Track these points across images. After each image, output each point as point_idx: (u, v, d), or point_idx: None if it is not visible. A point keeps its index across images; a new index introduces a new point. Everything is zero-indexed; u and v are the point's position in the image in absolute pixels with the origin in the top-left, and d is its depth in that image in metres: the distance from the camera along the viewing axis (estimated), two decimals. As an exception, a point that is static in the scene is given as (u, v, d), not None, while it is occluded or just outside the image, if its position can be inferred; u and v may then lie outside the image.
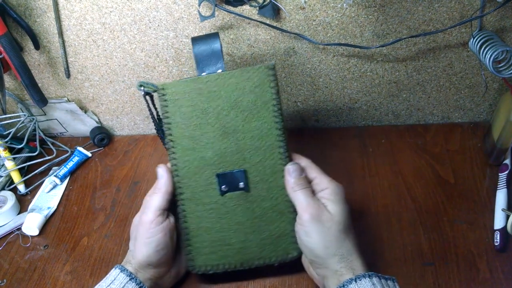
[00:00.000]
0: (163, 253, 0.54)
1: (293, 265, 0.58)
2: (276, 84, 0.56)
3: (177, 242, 0.57)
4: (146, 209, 0.55)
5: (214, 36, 0.59)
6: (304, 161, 0.57)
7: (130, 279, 0.52)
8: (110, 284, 0.52)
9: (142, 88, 0.57)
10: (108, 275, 0.54)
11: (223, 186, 0.56)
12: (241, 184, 0.56)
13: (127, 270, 0.53)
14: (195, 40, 0.60)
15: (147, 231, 0.54)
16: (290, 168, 0.55)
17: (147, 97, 0.59)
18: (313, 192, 0.55)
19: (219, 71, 0.57)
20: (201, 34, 0.71)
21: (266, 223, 0.56)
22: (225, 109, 0.56)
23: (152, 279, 0.55)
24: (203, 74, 0.57)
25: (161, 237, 0.54)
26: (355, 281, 0.48)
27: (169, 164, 0.57)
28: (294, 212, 0.55)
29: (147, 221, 0.54)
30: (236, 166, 0.56)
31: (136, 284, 0.52)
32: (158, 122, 0.61)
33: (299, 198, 0.53)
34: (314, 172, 0.56)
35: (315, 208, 0.52)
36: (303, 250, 0.54)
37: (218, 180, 0.56)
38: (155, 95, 0.59)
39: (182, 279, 0.61)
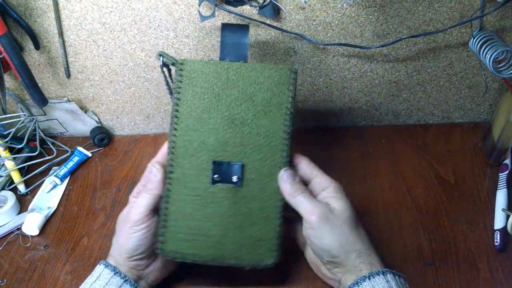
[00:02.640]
0: (143, 247, 0.54)
1: (294, 265, 0.58)
2: (294, 88, 0.55)
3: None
4: (133, 208, 0.55)
5: (245, 28, 0.59)
6: (303, 160, 0.57)
7: (114, 274, 0.53)
8: (95, 280, 0.53)
9: (161, 58, 0.57)
10: (93, 272, 0.54)
11: (216, 176, 0.54)
12: (235, 178, 0.54)
13: (111, 265, 0.53)
14: (226, 26, 0.59)
15: (130, 228, 0.54)
16: (284, 175, 0.54)
17: (165, 69, 0.58)
18: (314, 192, 0.55)
19: (241, 60, 0.57)
20: (201, 33, 0.72)
21: (250, 223, 0.55)
22: (239, 99, 0.55)
23: (134, 271, 0.54)
24: (225, 60, 0.57)
25: (143, 233, 0.54)
26: (369, 279, 0.48)
27: (166, 143, 0.56)
28: (282, 218, 0.54)
29: (133, 220, 0.54)
30: (235, 158, 0.55)
31: (121, 278, 0.53)
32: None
33: (302, 202, 0.52)
34: (314, 171, 0.56)
35: (321, 208, 0.51)
36: (318, 253, 0.53)
37: (213, 167, 0.54)
38: (172, 69, 0.58)
39: (182, 280, 0.61)
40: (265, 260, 0.55)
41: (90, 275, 0.54)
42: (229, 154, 0.55)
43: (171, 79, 0.59)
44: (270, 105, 0.55)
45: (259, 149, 0.55)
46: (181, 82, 0.56)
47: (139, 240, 0.53)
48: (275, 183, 0.55)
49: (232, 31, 0.59)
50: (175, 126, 0.55)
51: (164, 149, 0.57)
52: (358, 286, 0.48)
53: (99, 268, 0.54)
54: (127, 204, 0.57)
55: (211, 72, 0.55)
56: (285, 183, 0.54)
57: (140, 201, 0.55)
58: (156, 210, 0.55)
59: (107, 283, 0.52)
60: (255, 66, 0.55)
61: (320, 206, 0.52)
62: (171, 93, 0.60)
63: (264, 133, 0.55)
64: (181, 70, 0.56)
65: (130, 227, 0.54)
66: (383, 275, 0.48)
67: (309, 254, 0.57)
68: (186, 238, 0.55)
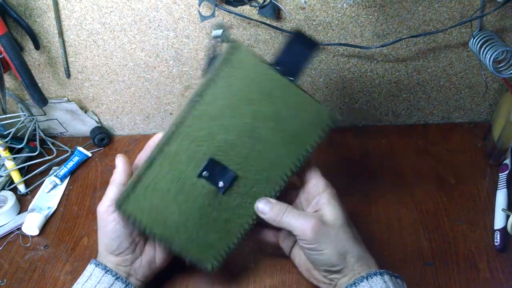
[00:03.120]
0: (118, 240, 0.54)
1: (294, 266, 0.58)
2: (324, 136, 0.53)
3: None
4: (101, 201, 0.55)
5: (314, 46, 0.53)
6: None
7: (105, 272, 0.53)
8: (87, 280, 0.53)
9: (220, 31, 0.53)
10: (84, 271, 0.54)
11: (205, 172, 0.52)
12: (221, 183, 0.53)
13: (101, 264, 0.54)
14: (299, 36, 0.53)
15: (102, 221, 0.54)
16: (258, 206, 0.53)
17: (213, 41, 0.54)
18: (307, 196, 0.54)
19: (291, 79, 0.52)
20: (201, 33, 0.71)
21: (211, 228, 0.54)
22: (267, 116, 0.51)
23: (121, 268, 0.54)
24: (278, 67, 0.52)
25: (113, 226, 0.53)
26: (367, 279, 0.48)
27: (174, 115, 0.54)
28: (240, 239, 0.54)
29: (100, 211, 0.54)
30: (232, 166, 0.53)
31: (112, 276, 0.53)
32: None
33: (290, 221, 0.51)
34: (311, 173, 0.55)
35: (314, 222, 0.50)
36: (317, 265, 0.52)
37: (206, 163, 0.52)
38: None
39: (182, 280, 0.61)
40: (205, 263, 0.54)
41: (82, 274, 0.54)
42: (229, 159, 0.53)
43: (214, 54, 0.54)
44: (293, 138, 0.52)
45: (259, 172, 0.53)
46: (224, 65, 0.51)
47: (112, 234, 0.53)
48: (252, 208, 0.54)
49: (301, 44, 0.52)
50: (192, 104, 0.51)
51: (147, 146, 0.57)
52: (356, 287, 0.48)
53: (90, 267, 0.54)
54: None
55: (257, 74, 0.51)
56: (265, 214, 0.52)
57: (107, 193, 0.55)
58: None
59: (98, 282, 0.52)
60: (302, 93, 0.51)
61: (311, 220, 0.50)
62: (208, 62, 0.55)
63: (272, 160, 0.53)
64: (231, 54, 0.50)
65: (101, 222, 0.54)
66: (381, 276, 0.48)
67: (298, 259, 0.56)
68: (146, 208, 0.53)
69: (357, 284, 0.48)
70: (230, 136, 0.52)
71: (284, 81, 0.51)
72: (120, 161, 0.56)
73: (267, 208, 0.52)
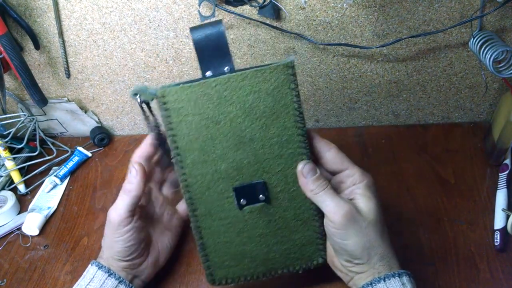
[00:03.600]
0: (133, 248, 0.53)
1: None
2: (296, 85, 0.49)
3: (148, 234, 0.56)
4: (112, 210, 0.53)
5: (217, 25, 0.49)
6: (331, 149, 0.52)
7: (109, 275, 0.52)
8: (89, 282, 0.52)
9: (137, 96, 0.50)
10: (85, 273, 0.53)
11: (241, 200, 0.51)
12: (261, 196, 0.51)
13: (104, 267, 0.53)
14: (194, 30, 0.49)
15: (115, 232, 0.53)
16: (304, 170, 0.50)
17: (144, 105, 0.52)
18: (342, 185, 0.52)
19: (226, 69, 0.49)
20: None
21: (290, 233, 0.53)
22: (239, 116, 0.49)
23: (128, 271, 0.54)
24: (208, 73, 0.49)
25: (128, 236, 0.53)
26: (384, 280, 0.47)
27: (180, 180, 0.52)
28: (320, 219, 0.52)
29: (114, 223, 0.53)
30: (255, 177, 0.51)
31: (116, 279, 0.52)
32: (158, 133, 0.55)
33: (325, 200, 0.49)
34: (345, 163, 0.51)
35: (347, 208, 0.48)
36: (338, 252, 0.50)
37: (235, 194, 0.51)
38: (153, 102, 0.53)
39: (183, 279, 0.61)
40: (315, 260, 0.54)
41: (82, 276, 0.53)
42: (247, 175, 0.51)
43: (152, 115, 0.54)
44: (275, 112, 0.50)
45: (277, 160, 0.51)
46: (169, 116, 0.49)
47: (126, 243, 0.53)
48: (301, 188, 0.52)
49: (204, 34, 0.49)
50: (181, 165, 0.51)
51: (144, 143, 0.55)
52: (372, 287, 0.47)
53: (92, 269, 0.53)
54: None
55: (199, 96, 0.49)
56: (306, 178, 0.50)
57: (118, 203, 0.53)
58: (135, 211, 0.54)
59: (101, 285, 0.52)
60: (246, 74, 0.48)
61: (345, 206, 0.48)
62: (152, 130, 0.55)
63: (277, 143, 0.50)
64: (164, 104, 0.49)
65: (114, 231, 0.53)
66: (399, 277, 0.47)
67: None
68: (231, 264, 0.54)
69: (374, 284, 0.47)
70: (229, 159, 0.51)
71: (223, 79, 0.49)
72: (137, 173, 0.54)
73: (311, 174, 0.49)
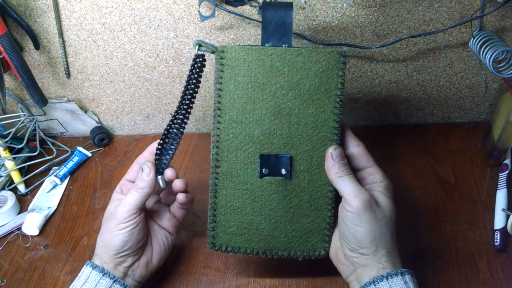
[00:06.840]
0: (129, 244, 0.53)
1: (293, 265, 0.58)
2: (344, 73, 0.52)
3: (146, 235, 0.56)
4: (120, 206, 0.54)
5: (288, 6, 0.54)
6: (360, 146, 0.54)
7: (103, 275, 0.52)
8: (84, 283, 0.52)
9: (198, 47, 0.52)
10: (80, 274, 0.53)
11: (264, 169, 0.53)
12: (284, 171, 0.53)
13: (98, 267, 0.53)
14: (268, 5, 0.54)
15: (117, 225, 0.53)
16: (333, 152, 0.51)
17: (197, 59, 0.53)
18: (362, 181, 0.52)
19: (284, 45, 0.52)
20: (201, 34, 0.71)
21: (301, 215, 0.54)
22: (284, 88, 0.52)
23: (120, 268, 0.54)
24: (267, 45, 0.53)
25: (130, 230, 0.53)
26: (387, 279, 0.47)
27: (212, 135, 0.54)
28: (332, 210, 0.53)
29: (120, 217, 0.53)
30: (283, 150, 0.53)
31: (110, 279, 0.52)
32: (193, 89, 0.54)
33: (347, 184, 0.50)
34: (369, 162, 0.53)
35: (367, 196, 0.49)
36: (347, 238, 0.50)
37: (260, 161, 0.53)
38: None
39: (183, 279, 0.61)
40: (318, 251, 0.55)
41: (77, 277, 0.53)
42: (276, 146, 0.53)
43: (199, 73, 0.54)
44: (318, 93, 0.52)
45: (308, 140, 0.53)
46: (222, 71, 0.52)
47: (126, 237, 0.53)
48: (324, 174, 0.53)
49: (275, 10, 0.53)
50: (218, 119, 0.53)
51: (152, 147, 0.57)
52: (375, 285, 0.47)
53: (86, 270, 0.53)
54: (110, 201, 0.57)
55: (254, 60, 0.52)
56: (334, 161, 0.51)
57: (128, 199, 0.54)
58: (142, 209, 0.55)
59: (96, 285, 0.51)
60: (302, 51, 0.51)
61: (366, 193, 0.49)
62: (190, 86, 0.55)
63: (312, 123, 0.52)
64: (221, 58, 0.52)
65: (117, 224, 0.53)
66: (402, 276, 0.47)
67: None
68: (236, 232, 0.54)
69: (376, 283, 0.47)
70: (264, 126, 0.52)
71: (280, 50, 0.51)
72: (151, 170, 0.54)
73: (339, 159, 0.51)
